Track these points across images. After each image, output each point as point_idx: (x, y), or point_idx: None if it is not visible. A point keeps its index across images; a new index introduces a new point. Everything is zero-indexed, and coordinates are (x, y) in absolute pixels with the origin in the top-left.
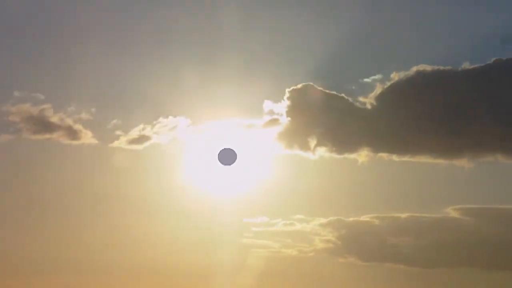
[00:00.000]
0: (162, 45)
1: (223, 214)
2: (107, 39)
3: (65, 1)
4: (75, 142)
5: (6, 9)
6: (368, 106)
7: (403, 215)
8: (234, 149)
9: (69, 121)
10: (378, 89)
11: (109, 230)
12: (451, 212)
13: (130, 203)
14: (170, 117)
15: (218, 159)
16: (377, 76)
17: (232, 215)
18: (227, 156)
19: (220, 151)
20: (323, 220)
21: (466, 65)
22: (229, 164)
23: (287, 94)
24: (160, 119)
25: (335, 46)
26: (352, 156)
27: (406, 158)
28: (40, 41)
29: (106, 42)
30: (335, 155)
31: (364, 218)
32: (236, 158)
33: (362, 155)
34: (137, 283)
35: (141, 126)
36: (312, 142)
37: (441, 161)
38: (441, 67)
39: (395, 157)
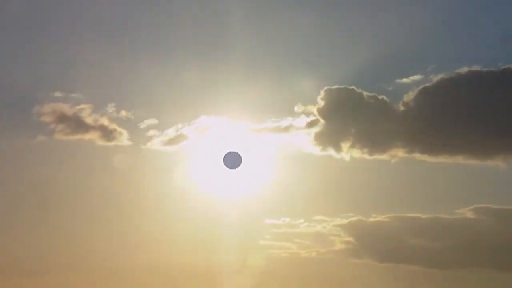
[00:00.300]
0: (203, 44)
1: (247, 215)
2: (146, 39)
3: (104, 2)
4: (109, 143)
5: (45, 10)
6: (404, 107)
7: (424, 216)
8: (261, 150)
9: (105, 122)
10: (415, 90)
11: (137, 231)
12: (474, 212)
13: (159, 204)
14: (210, 116)
15: (227, 160)
16: (416, 77)
17: (254, 215)
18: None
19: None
20: (342, 221)
21: (502, 66)
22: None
23: (321, 95)
24: (198, 119)
25: (373, 45)
26: (382, 157)
27: (439, 159)
28: (79, 41)
29: (145, 41)
30: (366, 156)
31: (384, 218)
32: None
33: (394, 156)
34: (147, 284)
35: (178, 125)
36: (344, 143)
37: (473, 162)
38: (480, 68)
39: (427, 158)
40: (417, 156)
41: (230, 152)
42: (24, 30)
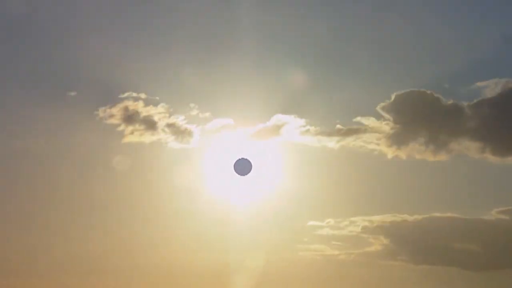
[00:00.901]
0: (281, 45)
1: (291, 216)
2: (222, 40)
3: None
4: (182, 145)
5: (124, 13)
6: (474, 110)
7: (469, 217)
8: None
9: (178, 123)
10: (488, 93)
11: (192, 232)
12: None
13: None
14: (284, 115)
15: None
16: (493, 81)
17: (298, 217)
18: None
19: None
20: (384, 222)
21: None
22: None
23: (392, 98)
24: (272, 118)
25: (450, 48)
26: (442, 158)
27: (506, 161)
28: (158, 44)
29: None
30: (429, 158)
31: (425, 219)
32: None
33: (454, 157)
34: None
35: (253, 126)
36: (408, 144)
37: None
38: None
39: (494, 160)
40: (480, 156)
41: (241, 159)
42: (107, 31)
